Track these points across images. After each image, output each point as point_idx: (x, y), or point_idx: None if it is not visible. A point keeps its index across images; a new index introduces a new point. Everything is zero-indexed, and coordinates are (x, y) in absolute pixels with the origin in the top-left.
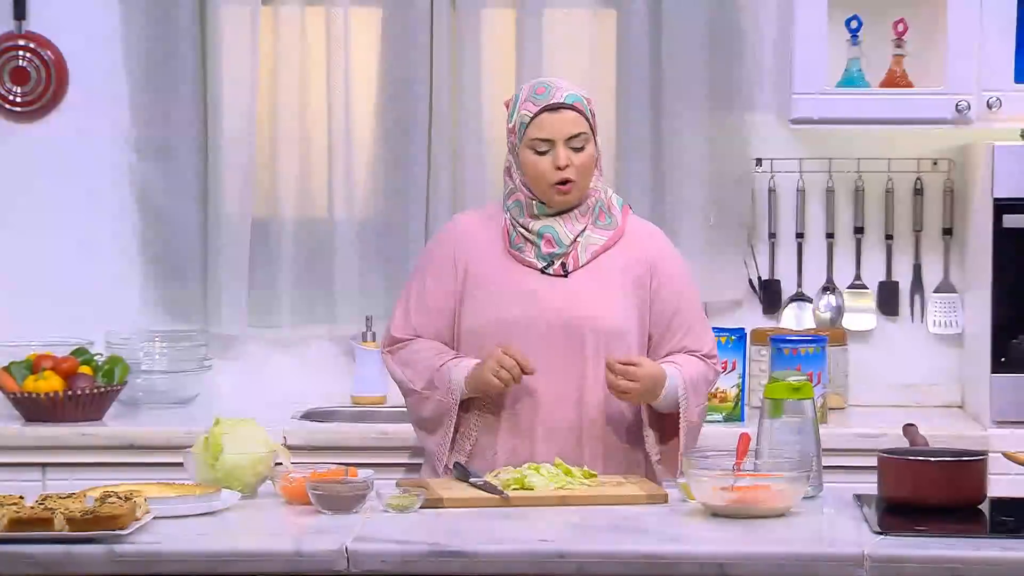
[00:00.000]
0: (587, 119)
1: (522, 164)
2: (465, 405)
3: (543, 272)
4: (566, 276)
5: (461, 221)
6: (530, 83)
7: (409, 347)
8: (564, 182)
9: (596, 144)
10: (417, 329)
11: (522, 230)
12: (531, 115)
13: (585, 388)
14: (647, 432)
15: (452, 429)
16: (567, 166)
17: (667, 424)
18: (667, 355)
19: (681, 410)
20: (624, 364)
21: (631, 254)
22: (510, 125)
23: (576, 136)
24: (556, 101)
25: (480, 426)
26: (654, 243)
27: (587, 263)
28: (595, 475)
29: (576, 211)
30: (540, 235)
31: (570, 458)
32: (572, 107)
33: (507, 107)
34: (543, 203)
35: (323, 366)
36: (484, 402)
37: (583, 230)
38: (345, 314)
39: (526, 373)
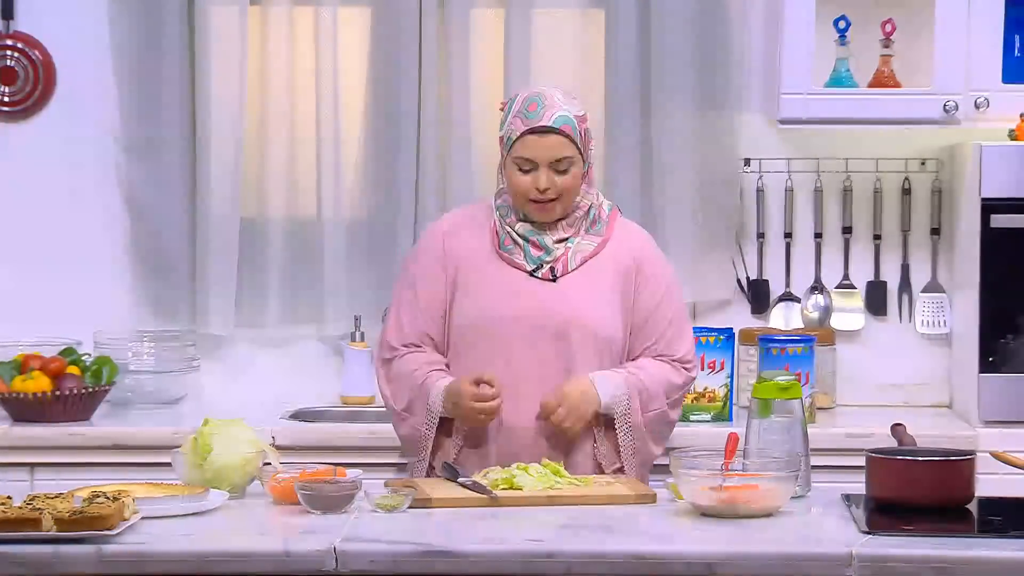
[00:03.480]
0: (574, 142)
1: (507, 177)
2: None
3: (531, 275)
4: (555, 280)
5: (448, 220)
6: (525, 93)
7: (399, 360)
8: (544, 201)
9: (586, 158)
10: (411, 332)
11: (509, 229)
12: (518, 133)
13: None
14: (599, 446)
15: (429, 454)
16: (547, 189)
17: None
18: (638, 357)
19: (618, 413)
20: (545, 411)
21: (618, 255)
22: (500, 134)
23: (560, 160)
24: (544, 124)
25: (466, 431)
26: (640, 244)
27: (576, 268)
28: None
29: (563, 222)
30: (526, 239)
31: (557, 460)
32: (559, 131)
33: (502, 110)
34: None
35: (311, 366)
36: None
37: (570, 237)
38: (333, 314)
39: (496, 397)
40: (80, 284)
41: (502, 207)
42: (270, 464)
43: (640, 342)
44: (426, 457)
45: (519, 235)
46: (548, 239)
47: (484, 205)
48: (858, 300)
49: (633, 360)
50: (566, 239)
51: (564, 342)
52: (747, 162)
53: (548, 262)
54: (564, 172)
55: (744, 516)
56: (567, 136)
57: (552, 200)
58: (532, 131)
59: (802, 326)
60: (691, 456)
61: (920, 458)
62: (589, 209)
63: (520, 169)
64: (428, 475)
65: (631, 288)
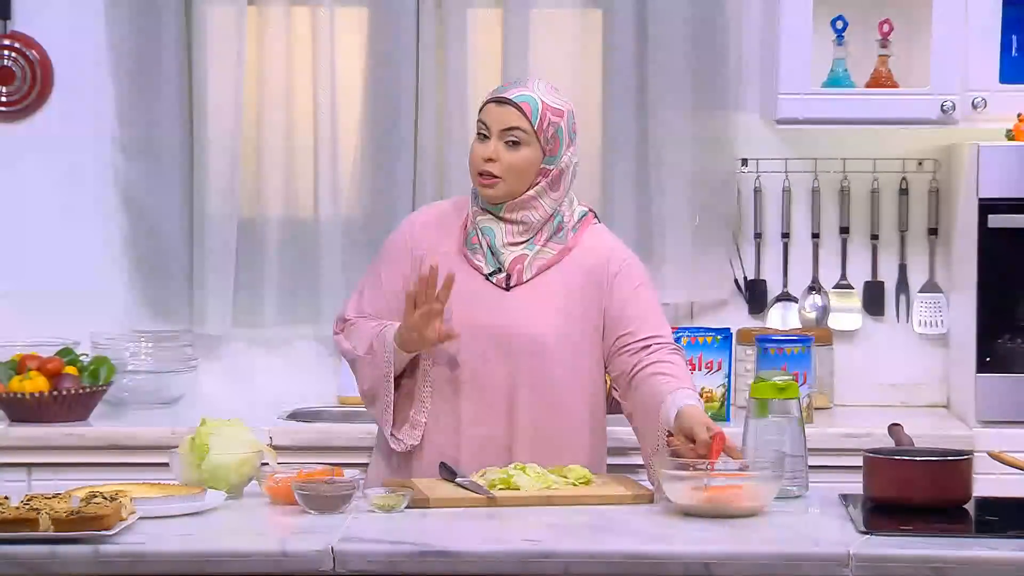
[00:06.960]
0: (531, 122)
1: None
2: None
3: (487, 278)
4: (507, 290)
5: (422, 213)
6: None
7: (359, 322)
8: (487, 175)
9: (545, 152)
10: (368, 311)
11: (477, 226)
12: (483, 103)
13: (516, 401)
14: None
15: (391, 393)
16: (492, 159)
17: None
18: (624, 347)
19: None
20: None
21: (583, 259)
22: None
23: (511, 130)
24: (504, 95)
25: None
26: (609, 246)
27: (531, 279)
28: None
29: (516, 227)
30: (483, 233)
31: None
32: (517, 105)
33: None
34: None
35: (309, 366)
36: (419, 407)
37: (523, 243)
38: (331, 314)
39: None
40: (77, 284)
41: (473, 194)
42: (268, 464)
43: (621, 326)
44: (390, 403)
45: (477, 226)
46: (499, 239)
47: (464, 200)
48: (855, 300)
49: (622, 350)
50: (520, 243)
51: (509, 354)
52: (744, 162)
53: (504, 266)
54: (515, 148)
55: (728, 516)
56: (523, 113)
57: (496, 177)
58: (491, 100)
59: (799, 326)
60: (677, 455)
61: (917, 458)
62: (554, 217)
63: (479, 137)
64: (394, 429)
65: (603, 284)
